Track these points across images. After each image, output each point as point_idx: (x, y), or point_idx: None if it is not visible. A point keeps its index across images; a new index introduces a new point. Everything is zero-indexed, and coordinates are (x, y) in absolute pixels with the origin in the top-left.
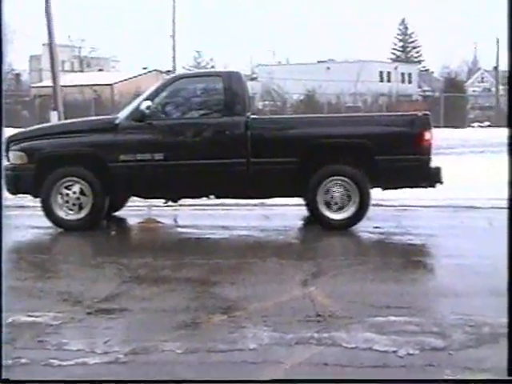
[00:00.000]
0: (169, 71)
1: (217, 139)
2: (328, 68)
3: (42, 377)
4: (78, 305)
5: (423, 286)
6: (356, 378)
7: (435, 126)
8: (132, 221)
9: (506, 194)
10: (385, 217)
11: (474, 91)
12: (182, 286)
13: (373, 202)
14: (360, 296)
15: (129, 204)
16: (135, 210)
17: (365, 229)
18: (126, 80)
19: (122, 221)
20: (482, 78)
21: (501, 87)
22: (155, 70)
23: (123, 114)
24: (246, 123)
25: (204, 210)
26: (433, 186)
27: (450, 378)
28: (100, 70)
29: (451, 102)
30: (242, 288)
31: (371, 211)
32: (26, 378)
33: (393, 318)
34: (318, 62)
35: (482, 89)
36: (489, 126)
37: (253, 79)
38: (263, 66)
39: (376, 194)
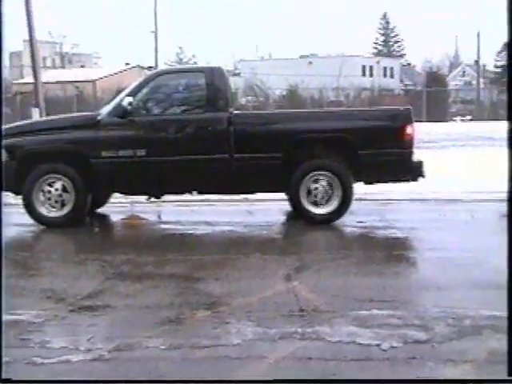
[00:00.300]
0: (151, 67)
1: (199, 135)
2: (310, 63)
3: (28, 376)
4: (61, 302)
5: (406, 279)
6: (356, 378)
7: (417, 120)
8: (115, 217)
9: (487, 187)
10: (368, 211)
11: (455, 85)
12: (165, 282)
13: (356, 196)
14: (343, 290)
15: (112, 201)
16: (118, 207)
17: (348, 223)
18: (108, 76)
19: (104, 217)
20: (464, 72)
21: (482, 81)
22: (137, 66)
23: (105, 111)
24: (229, 119)
25: (187, 205)
26: (415, 180)
27: (450, 378)
28: (82, 66)
29: (433, 96)
30: (226, 283)
31: (354, 205)
32: (27, 377)
33: (376, 312)
34: (301, 56)
35: (464, 83)
36: (470, 119)
37: (235, 75)
38: (246, 62)
39: (359, 188)
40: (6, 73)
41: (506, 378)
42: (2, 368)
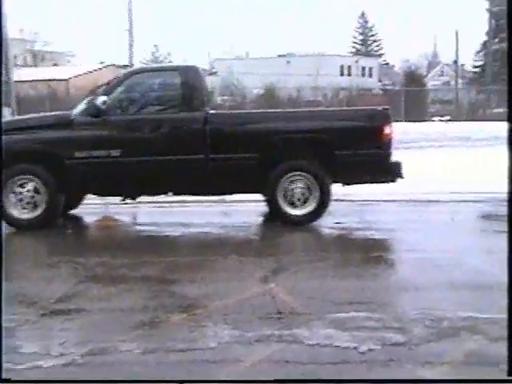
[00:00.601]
0: (126, 66)
1: (174, 135)
2: (288, 62)
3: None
4: (32, 306)
5: (384, 281)
6: (355, 378)
7: (395, 120)
8: (89, 219)
9: (466, 188)
10: (346, 212)
11: (433, 85)
12: (140, 284)
13: (334, 197)
14: (321, 292)
15: (85, 202)
16: (92, 208)
17: (326, 224)
18: (81, 75)
19: (78, 219)
20: (442, 72)
21: (460, 81)
22: (112, 65)
23: (79, 110)
24: (205, 118)
25: (163, 207)
26: (393, 181)
27: (450, 378)
28: (55, 64)
29: (412, 96)
30: (202, 286)
31: (332, 206)
32: (26, 378)
33: (354, 314)
34: (278, 55)
35: (442, 82)
36: (449, 120)
37: (211, 74)
38: (222, 61)
39: (337, 189)
40: None
41: (506, 378)
42: (1, 368)
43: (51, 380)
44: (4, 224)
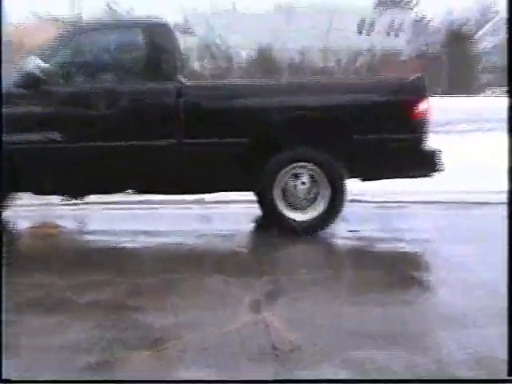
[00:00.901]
0: (70, 20)
1: (136, 113)
2: (288, 16)
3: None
4: None
5: (417, 309)
6: (357, 378)
7: (434, 94)
8: (22, 225)
9: None
10: (364, 216)
11: (485, 47)
12: (89, 312)
13: (349, 197)
14: (330, 323)
15: (18, 203)
16: (27, 211)
17: (338, 233)
18: (8, 31)
19: (7, 225)
20: (496, 30)
21: None
22: (51, 18)
23: (6, 79)
24: (178, 91)
25: (121, 209)
26: (429, 176)
27: (449, 378)
28: None
29: (456, 62)
30: (173, 314)
31: (347, 209)
32: (26, 378)
33: (375, 353)
34: (276, 8)
35: (496, 44)
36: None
37: (186, 32)
38: (200, 15)
39: (354, 186)
40: None
41: (506, 377)
42: (2, 368)
43: (51, 380)
44: None
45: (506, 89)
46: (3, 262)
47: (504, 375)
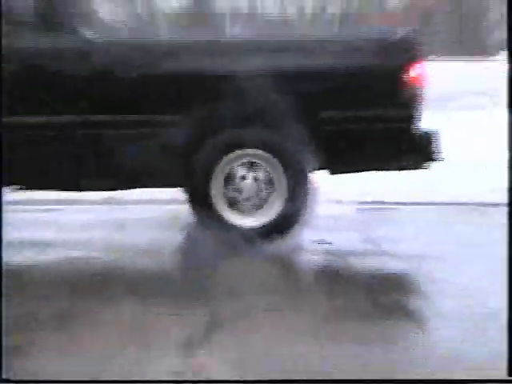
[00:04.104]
0: None
1: (25, 78)
2: None
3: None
4: None
5: (407, 348)
6: (358, 378)
7: (432, 56)
8: None
9: None
10: (336, 222)
11: None
12: None
13: (315, 195)
14: (288, 366)
15: None
16: None
17: (301, 244)
18: None
19: None
20: None
21: None
22: None
23: None
24: (81, 48)
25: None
26: (422, 167)
27: (449, 378)
28: None
29: (458, 14)
30: (72, 358)
31: (313, 212)
32: (27, 378)
33: None
34: None
35: None
36: None
37: None
38: None
39: (323, 181)
40: None
41: (506, 378)
42: (2, 368)
43: (51, 380)
44: None
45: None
46: None
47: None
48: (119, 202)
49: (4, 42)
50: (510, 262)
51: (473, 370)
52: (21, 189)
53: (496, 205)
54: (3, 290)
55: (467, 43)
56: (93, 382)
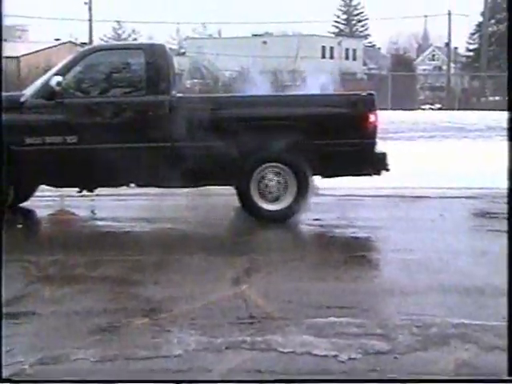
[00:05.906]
0: (84, 43)
1: (137, 120)
2: (264, 42)
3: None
4: None
5: (367, 283)
6: (359, 378)
7: (381, 108)
8: (42, 213)
9: (457, 183)
10: (327, 207)
11: (424, 70)
12: (98, 285)
13: (314, 190)
14: (298, 295)
15: (38, 194)
16: (45, 201)
17: (304, 221)
18: (34, 52)
19: (29, 213)
20: (433, 56)
21: (452, 65)
22: (69, 42)
23: (30, 91)
24: (171, 103)
25: (124, 200)
26: (378, 174)
27: (449, 378)
28: (3, 40)
29: (399, 82)
30: (167, 288)
31: (312, 201)
32: (27, 378)
33: (333, 319)
34: (253, 35)
35: (433, 67)
36: (439, 108)
37: (180, 54)
38: (192, 40)
39: (318, 182)
40: None
41: (506, 377)
42: (1, 368)
43: (51, 380)
44: None
45: (506, 98)
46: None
47: (504, 375)
48: (194, 194)
49: (123, 98)
50: (511, 262)
51: (473, 370)
52: (137, 186)
53: (427, 197)
54: None
55: (403, 99)
56: (93, 381)
